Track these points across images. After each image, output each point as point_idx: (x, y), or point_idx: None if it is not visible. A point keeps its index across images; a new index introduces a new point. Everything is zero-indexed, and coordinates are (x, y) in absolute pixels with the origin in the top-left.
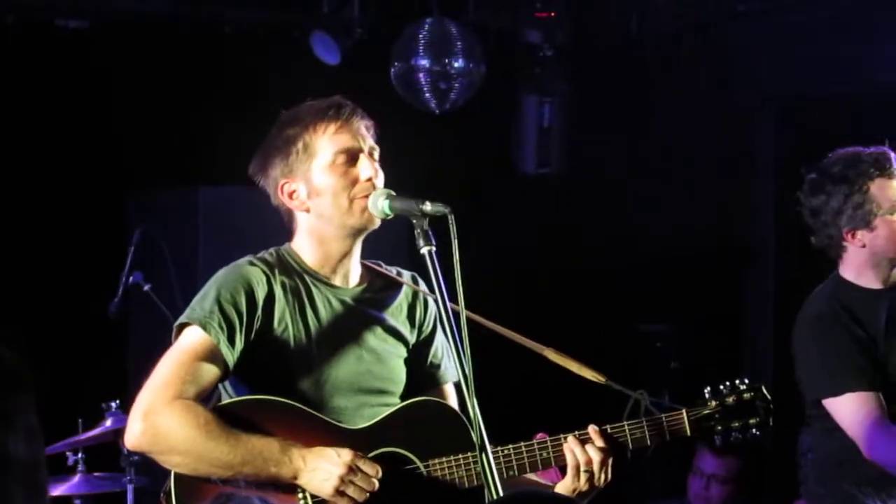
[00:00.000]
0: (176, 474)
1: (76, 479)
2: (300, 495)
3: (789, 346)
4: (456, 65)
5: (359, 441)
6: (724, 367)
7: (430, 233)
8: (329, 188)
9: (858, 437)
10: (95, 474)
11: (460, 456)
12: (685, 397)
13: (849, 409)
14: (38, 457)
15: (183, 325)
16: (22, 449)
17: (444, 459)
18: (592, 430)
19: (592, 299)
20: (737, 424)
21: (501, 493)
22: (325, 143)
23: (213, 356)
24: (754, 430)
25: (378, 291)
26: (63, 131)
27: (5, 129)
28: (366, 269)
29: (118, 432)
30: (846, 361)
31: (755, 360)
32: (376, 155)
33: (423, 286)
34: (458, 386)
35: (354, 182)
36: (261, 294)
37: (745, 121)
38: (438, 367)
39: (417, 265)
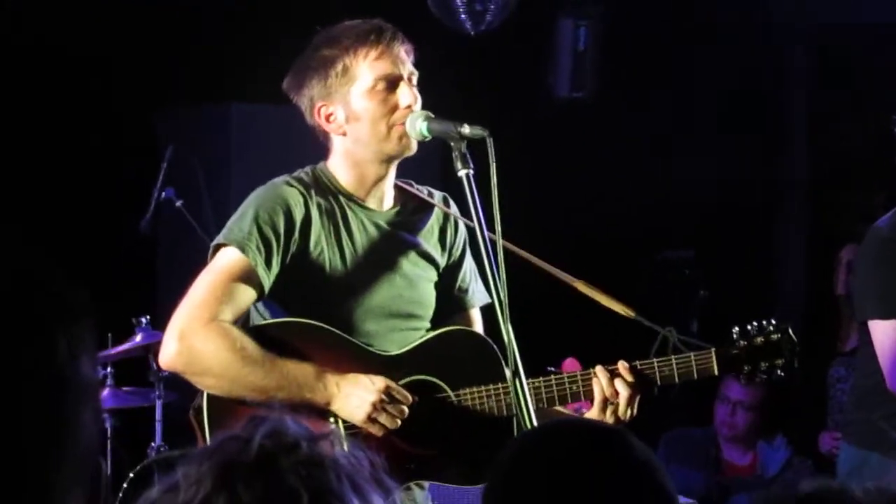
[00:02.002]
0: (208, 394)
1: (105, 393)
2: (332, 420)
3: (821, 274)
4: None
5: (391, 367)
6: (753, 295)
7: (468, 155)
8: (368, 114)
9: (885, 366)
10: (124, 388)
11: (492, 386)
12: (713, 325)
13: (886, 336)
14: (97, 378)
15: (220, 245)
16: (91, 372)
17: (475, 389)
18: (622, 365)
19: (622, 225)
20: (764, 365)
21: (534, 419)
22: (366, 68)
23: (249, 278)
24: (780, 372)
25: (411, 214)
26: (98, 47)
27: (42, 47)
28: (399, 191)
29: (148, 347)
30: None
31: (785, 289)
32: (415, 80)
33: (453, 207)
34: (485, 310)
35: (394, 109)
36: (298, 216)
37: (782, 49)
38: (466, 290)
39: (448, 188)
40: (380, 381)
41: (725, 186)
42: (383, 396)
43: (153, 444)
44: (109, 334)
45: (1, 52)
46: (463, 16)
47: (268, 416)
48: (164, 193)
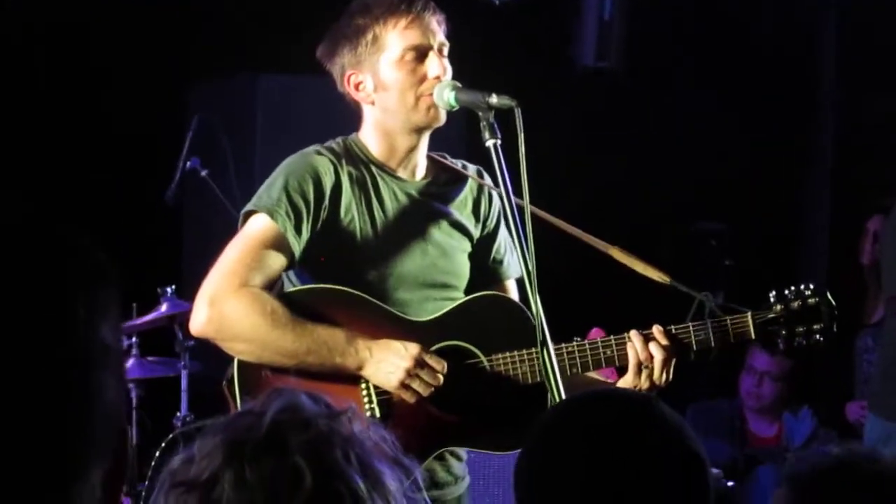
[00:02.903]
0: (239, 363)
1: (130, 362)
2: (363, 386)
3: (845, 246)
4: None
5: (423, 333)
6: (778, 266)
7: (496, 125)
8: (396, 84)
9: None
10: (149, 358)
11: (524, 351)
12: (739, 296)
13: None
14: (123, 346)
15: (250, 213)
16: (113, 338)
17: (507, 354)
18: (657, 329)
19: (647, 196)
20: (801, 329)
21: (562, 390)
22: (395, 37)
23: (279, 244)
24: (818, 336)
25: (444, 185)
26: (126, 18)
27: (71, 19)
28: (431, 162)
29: (173, 317)
30: None
31: (811, 259)
32: (445, 51)
33: (488, 180)
34: (520, 282)
35: (422, 79)
36: (328, 183)
37: (809, 23)
38: (501, 262)
39: (478, 160)
40: (413, 348)
41: (751, 158)
42: (417, 362)
43: (179, 414)
44: (134, 304)
45: (34, 21)
46: None
47: (284, 390)
48: (189, 163)
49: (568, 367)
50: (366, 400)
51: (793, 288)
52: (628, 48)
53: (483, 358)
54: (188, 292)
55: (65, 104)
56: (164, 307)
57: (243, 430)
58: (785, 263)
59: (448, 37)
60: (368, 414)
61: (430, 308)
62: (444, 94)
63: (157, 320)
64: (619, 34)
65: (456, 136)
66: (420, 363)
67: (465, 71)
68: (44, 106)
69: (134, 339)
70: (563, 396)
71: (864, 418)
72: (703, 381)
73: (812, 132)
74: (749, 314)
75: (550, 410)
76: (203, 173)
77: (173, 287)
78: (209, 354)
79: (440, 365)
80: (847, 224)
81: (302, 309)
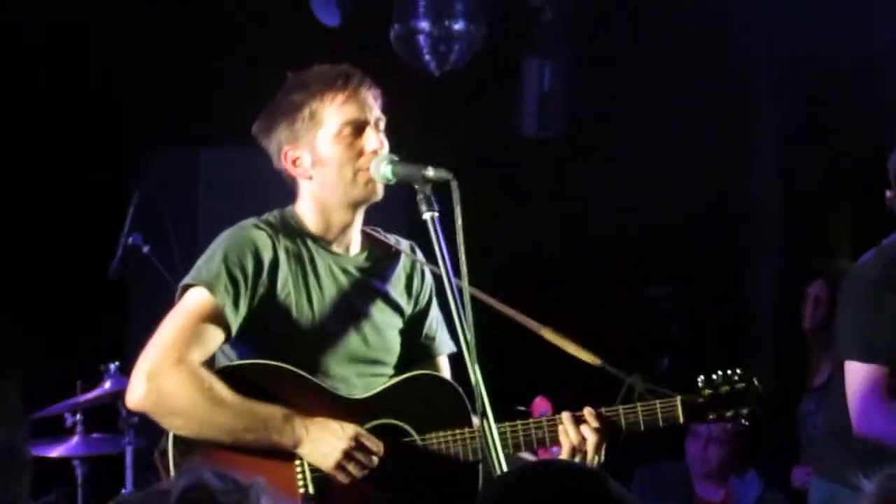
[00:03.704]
0: (174, 436)
1: (75, 440)
2: (297, 463)
3: (791, 310)
4: (456, 27)
5: (357, 411)
6: (724, 330)
7: (433, 199)
8: (334, 159)
9: (854, 409)
10: (94, 435)
11: (457, 431)
12: (684, 363)
13: (858, 379)
14: (15, 441)
15: (188, 286)
16: (7, 434)
17: (441, 433)
18: (588, 411)
19: (595, 263)
20: (729, 414)
21: (503, 462)
22: (333, 113)
23: (217, 319)
24: (744, 421)
25: (378, 261)
26: (62, 91)
27: (8, 85)
28: (366, 237)
29: (117, 394)
30: (881, 332)
31: (756, 324)
32: (382, 125)
33: (420, 256)
34: (452, 358)
35: (360, 154)
36: (266, 258)
37: (748, 82)
38: (433, 339)
39: (414, 233)
40: (350, 429)
41: (697, 222)
42: (353, 444)
43: (124, 490)
44: (78, 381)
45: None
46: (427, 56)
47: (190, 468)
48: (131, 239)
49: (501, 447)
50: (300, 477)
51: (720, 372)
52: (570, 116)
53: (416, 437)
54: (132, 369)
55: (3, 179)
56: (107, 384)
57: None
58: (731, 328)
59: (384, 110)
60: (302, 491)
61: (362, 384)
62: (381, 168)
63: (100, 397)
64: (560, 103)
65: (399, 209)
66: (357, 445)
67: (405, 143)
68: None
69: (78, 417)
70: (504, 468)
71: (809, 484)
72: (649, 444)
73: (756, 196)
74: (678, 399)
75: (493, 482)
76: (145, 249)
77: (117, 364)
78: (154, 430)
79: (376, 446)
80: (793, 287)
81: (239, 385)
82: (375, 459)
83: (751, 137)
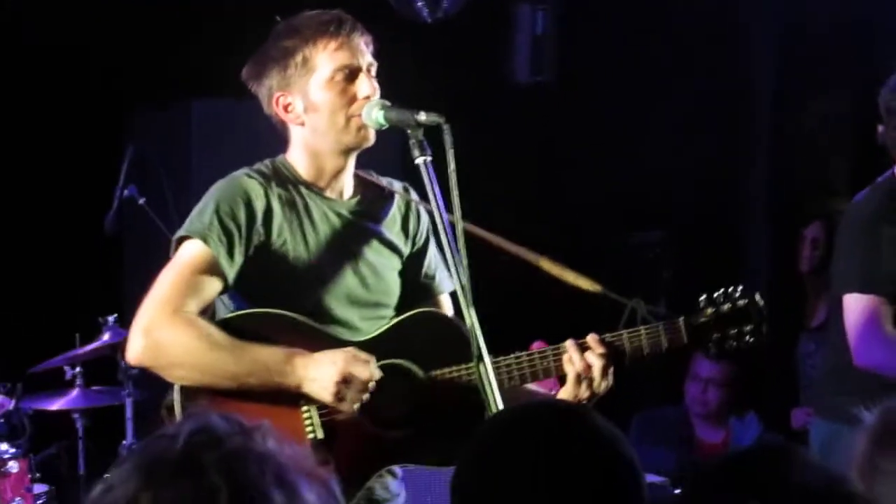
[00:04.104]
0: (181, 388)
1: (74, 392)
2: (304, 409)
3: (785, 251)
4: None
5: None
6: (718, 274)
7: (426, 143)
8: (326, 105)
9: (853, 341)
10: (93, 388)
11: (462, 366)
12: (680, 305)
13: (857, 310)
14: None
15: (182, 239)
16: None
17: (445, 370)
18: (591, 338)
19: (586, 208)
20: (733, 332)
21: (500, 403)
22: (325, 59)
23: (213, 269)
24: (748, 338)
25: (372, 203)
26: (55, 48)
27: (3, 45)
28: (359, 181)
29: (115, 346)
30: (878, 264)
31: (750, 266)
32: (373, 71)
33: (414, 196)
34: (453, 296)
35: (352, 100)
36: (259, 207)
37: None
38: (433, 278)
39: (409, 177)
40: (341, 360)
41: (689, 166)
42: (345, 374)
43: (125, 442)
44: (77, 334)
45: None
46: (420, 3)
47: (196, 412)
48: (126, 191)
49: (506, 380)
50: (308, 423)
51: (722, 291)
52: (562, 61)
53: (421, 374)
54: (130, 321)
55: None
56: (106, 336)
57: (158, 451)
58: (725, 272)
59: (376, 56)
60: (311, 436)
61: (363, 327)
62: (373, 114)
63: (99, 349)
64: (552, 48)
65: (392, 154)
66: (347, 375)
67: (398, 89)
68: None
69: (78, 369)
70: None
71: (809, 425)
72: (647, 389)
73: (749, 138)
74: (681, 320)
75: (484, 425)
76: (140, 201)
77: (115, 316)
78: (153, 382)
79: (366, 372)
80: (787, 230)
81: (239, 333)
82: (372, 385)
83: (748, 73)
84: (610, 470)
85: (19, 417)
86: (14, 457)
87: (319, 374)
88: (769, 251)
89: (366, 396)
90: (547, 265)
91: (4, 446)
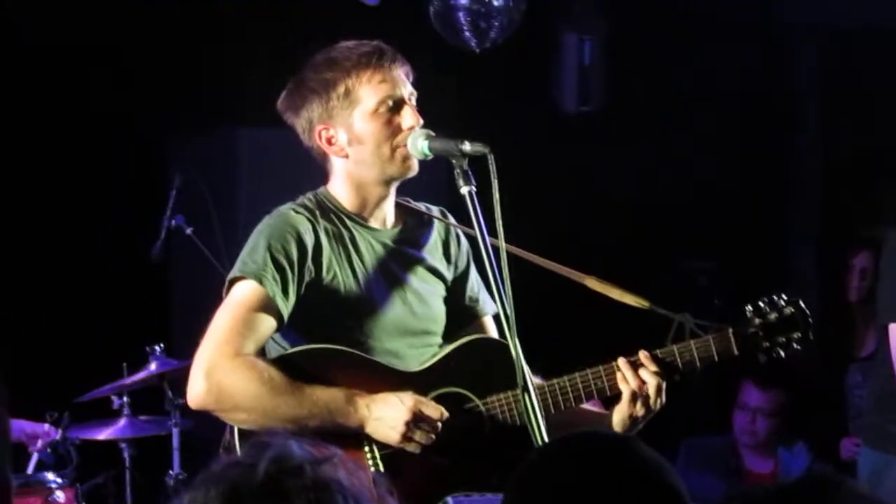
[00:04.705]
0: (239, 430)
1: (122, 422)
2: (366, 449)
3: (833, 281)
4: (495, 3)
5: (417, 383)
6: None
7: (470, 173)
8: (371, 137)
9: None
10: (141, 417)
11: (517, 391)
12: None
13: None
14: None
15: (235, 279)
16: None
17: (501, 396)
18: (644, 354)
19: (632, 237)
20: (781, 340)
21: (544, 431)
22: (368, 91)
23: (268, 308)
24: (796, 345)
25: (414, 231)
26: (108, 73)
27: (49, 74)
28: (400, 209)
29: (163, 375)
30: None
31: (800, 297)
32: (414, 101)
33: (452, 220)
34: (496, 318)
35: (397, 131)
36: (309, 242)
37: (789, 54)
38: (477, 300)
39: (453, 205)
40: (409, 399)
41: (737, 195)
42: (414, 413)
43: (171, 472)
44: (124, 364)
45: (17, 75)
46: (467, 33)
47: (272, 440)
48: (174, 221)
49: (561, 401)
50: (368, 457)
51: (766, 300)
52: (609, 91)
53: (478, 401)
54: (177, 350)
55: (48, 163)
56: (153, 366)
57: (238, 479)
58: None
59: (416, 85)
60: (372, 470)
61: (414, 355)
62: (418, 144)
63: (146, 379)
64: (600, 78)
65: (438, 182)
66: (418, 414)
67: (444, 120)
68: (27, 165)
69: (125, 399)
70: (545, 438)
71: (857, 455)
72: (695, 418)
73: (798, 167)
74: (729, 330)
75: (531, 454)
76: (188, 231)
77: (162, 345)
78: (200, 412)
79: (437, 412)
80: (835, 260)
81: (297, 372)
82: (439, 424)
83: (795, 102)
84: (656, 501)
85: (66, 447)
86: (61, 486)
87: (385, 413)
88: (818, 281)
89: (433, 438)
90: (593, 283)
91: (51, 476)
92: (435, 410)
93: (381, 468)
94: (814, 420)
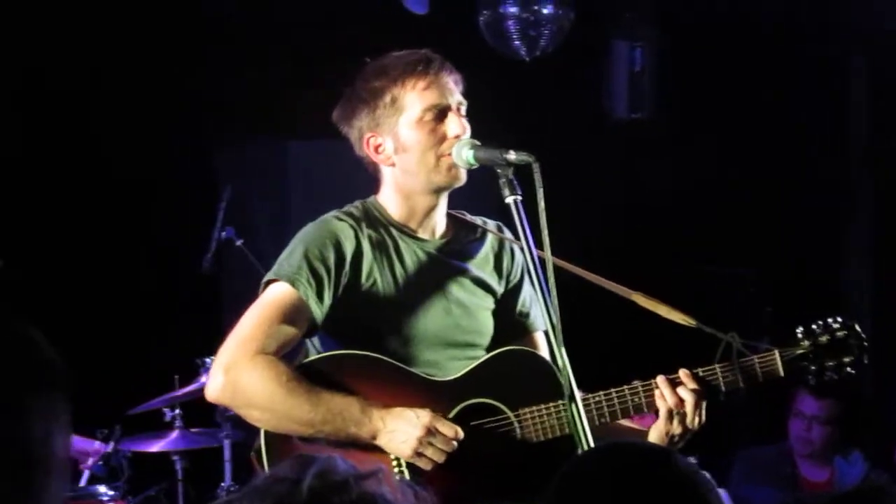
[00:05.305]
0: (266, 434)
1: (174, 434)
2: (393, 456)
3: (887, 290)
4: (545, 11)
5: (448, 393)
6: (819, 309)
7: (515, 182)
8: (416, 145)
9: None
10: (192, 430)
11: (550, 404)
12: (782, 342)
13: None
14: (68, 455)
15: (269, 282)
16: (60, 448)
17: (533, 408)
18: (684, 373)
19: (682, 245)
20: (831, 364)
21: (591, 442)
22: (414, 98)
23: (299, 311)
24: (848, 369)
25: (464, 242)
26: (156, 86)
27: (99, 87)
28: (451, 220)
29: None
30: None
31: (853, 301)
32: (463, 110)
33: (508, 234)
34: (546, 334)
35: (442, 139)
36: (349, 249)
37: (841, 61)
38: (527, 315)
39: (501, 215)
40: (425, 416)
41: (789, 203)
42: (429, 430)
43: (223, 484)
44: (176, 376)
45: (66, 91)
46: (517, 42)
47: (316, 455)
48: (224, 233)
49: (596, 417)
50: (395, 464)
51: (820, 322)
52: (659, 98)
53: (510, 413)
54: None
55: (97, 179)
56: (204, 378)
57: (283, 495)
58: (826, 306)
59: (466, 94)
60: (398, 477)
61: (455, 367)
62: (463, 153)
63: (198, 391)
64: (651, 85)
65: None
66: (431, 431)
67: (496, 127)
68: (76, 181)
69: (177, 411)
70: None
71: None
72: (750, 427)
73: (850, 176)
74: (776, 352)
75: (567, 465)
76: (238, 243)
77: (213, 358)
78: (251, 423)
79: (452, 430)
80: (889, 269)
81: (321, 376)
82: (454, 444)
83: (847, 110)
84: None
85: (118, 459)
86: (113, 499)
87: (399, 427)
88: (871, 290)
89: (444, 457)
90: (640, 299)
91: (103, 489)
92: (450, 429)
93: (407, 475)
94: (870, 428)
